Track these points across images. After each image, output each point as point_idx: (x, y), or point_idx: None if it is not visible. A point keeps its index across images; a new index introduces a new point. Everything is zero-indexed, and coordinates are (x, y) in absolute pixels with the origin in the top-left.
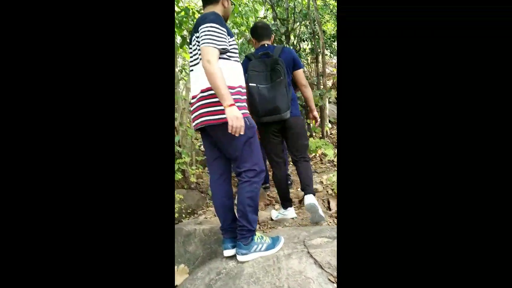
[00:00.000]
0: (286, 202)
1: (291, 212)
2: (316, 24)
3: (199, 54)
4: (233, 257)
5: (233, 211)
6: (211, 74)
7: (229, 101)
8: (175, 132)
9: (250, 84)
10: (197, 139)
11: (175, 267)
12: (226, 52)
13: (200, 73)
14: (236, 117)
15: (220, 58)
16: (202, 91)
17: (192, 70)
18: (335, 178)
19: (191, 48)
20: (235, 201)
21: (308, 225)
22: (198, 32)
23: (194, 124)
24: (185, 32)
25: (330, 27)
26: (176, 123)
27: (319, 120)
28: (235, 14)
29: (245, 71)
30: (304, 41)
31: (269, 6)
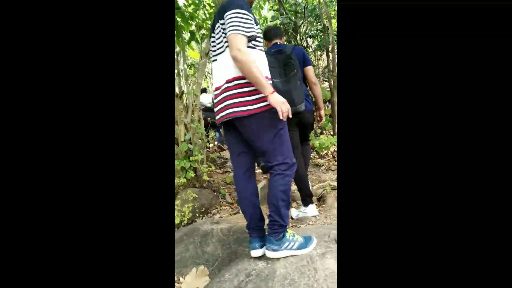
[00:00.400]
0: (307, 198)
1: (312, 210)
2: (326, 19)
3: (225, 42)
4: (261, 257)
5: (260, 209)
6: (244, 62)
7: (270, 88)
8: (186, 130)
9: None
10: (203, 139)
11: (194, 269)
12: (253, 40)
13: (226, 63)
14: (282, 102)
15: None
16: (228, 81)
17: (215, 59)
18: None
19: (213, 37)
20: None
21: (334, 223)
22: (223, 19)
23: (218, 117)
24: (192, 27)
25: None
26: (187, 120)
27: (323, 118)
28: None
29: None
30: (310, 38)
31: (275, 2)
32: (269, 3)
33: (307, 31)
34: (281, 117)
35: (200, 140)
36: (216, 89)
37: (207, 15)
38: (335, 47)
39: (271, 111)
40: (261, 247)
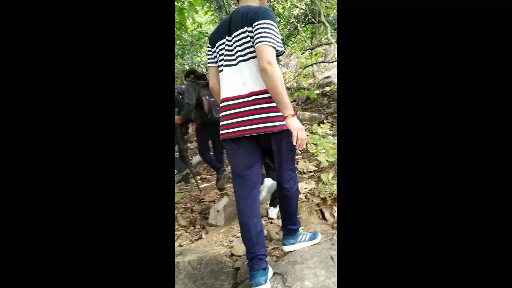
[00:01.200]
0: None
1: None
2: None
3: (251, 52)
4: None
5: (264, 233)
6: (274, 77)
7: (291, 110)
8: None
9: None
10: None
11: None
12: (280, 55)
13: (251, 73)
14: (301, 128)
15: None
16: (256, 93)
17: (232, 65)
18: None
19: (229, 40)
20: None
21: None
22: (250, 26)
23: (241, 129)
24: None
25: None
26: None
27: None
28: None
29: None
30: None
31: (210, 8)
32: (203, 8)
33: None
34: (294, 143)
35: None
36: (233, 98)
37: None
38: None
39: None
40: (266, 281)
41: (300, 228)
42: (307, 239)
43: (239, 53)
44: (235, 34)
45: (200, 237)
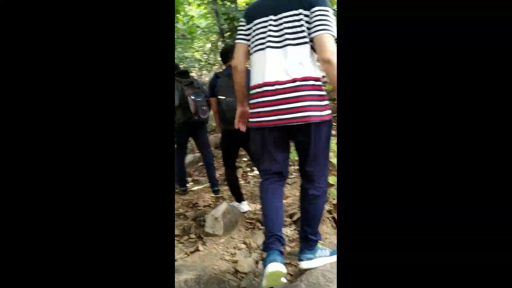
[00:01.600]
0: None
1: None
2: None
3: (304, 36)
4: None
5: (282, 224)
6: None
7: None
8: None
9: (219, 96)
10: None
11: None
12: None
13: (302, 58)
14: None
15: None
16: (302, 80)
17: (277, 47)
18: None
19: (275, 21)
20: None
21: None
22: (306, 9)
23: (276, 118)
24: None
25: None
26: None
27: None
28: None
29: (215, 86)
30: None
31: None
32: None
33: None
34: None
35: None
36: (273, 83)
37: None
38: None
39: (331, 121)
40: (281, 261)
41: (319, 242)
42: (328, 254)
43: (287, 36)
44: (284, 14)
45: (197, 249)
